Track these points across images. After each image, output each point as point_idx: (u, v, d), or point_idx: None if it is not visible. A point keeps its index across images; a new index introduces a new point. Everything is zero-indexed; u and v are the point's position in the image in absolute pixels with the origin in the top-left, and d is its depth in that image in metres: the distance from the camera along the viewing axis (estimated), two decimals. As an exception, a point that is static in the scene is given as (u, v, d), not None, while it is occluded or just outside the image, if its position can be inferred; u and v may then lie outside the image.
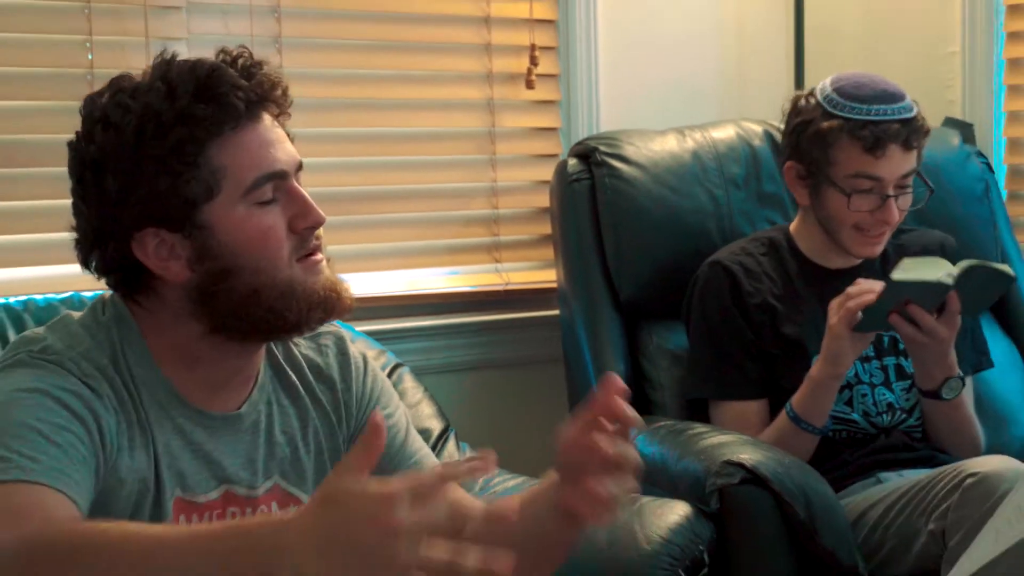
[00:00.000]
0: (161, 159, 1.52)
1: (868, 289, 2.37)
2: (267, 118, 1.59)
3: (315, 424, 1.70)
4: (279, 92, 1.60)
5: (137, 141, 1.52)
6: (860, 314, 2.36)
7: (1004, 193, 3.24)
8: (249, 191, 1.55)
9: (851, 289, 2.39)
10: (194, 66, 1.56)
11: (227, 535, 1.29)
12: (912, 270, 2.34)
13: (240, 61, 1.59)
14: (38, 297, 2.20)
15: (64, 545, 1.33)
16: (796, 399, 2.46)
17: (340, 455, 1.70)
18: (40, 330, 1.61)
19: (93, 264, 1.60)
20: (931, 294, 2.35)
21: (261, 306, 1.56)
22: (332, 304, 1.60)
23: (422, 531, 1.24)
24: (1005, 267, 2.44)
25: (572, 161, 2.92)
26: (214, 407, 1.62)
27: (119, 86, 1.58)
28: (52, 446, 1.45)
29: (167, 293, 1.58)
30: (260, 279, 1.55)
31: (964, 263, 2.36)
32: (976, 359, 2.69)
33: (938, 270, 2.34)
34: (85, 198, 1.57)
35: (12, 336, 2.10)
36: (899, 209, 2.52)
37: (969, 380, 2.62)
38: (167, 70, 1.56)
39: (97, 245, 1.59)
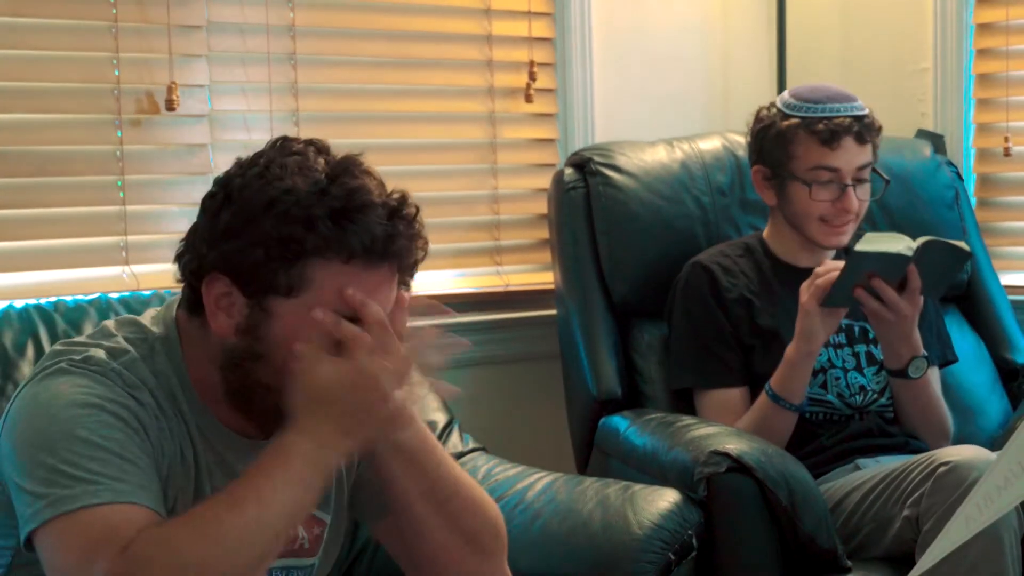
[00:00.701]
0: (270, 237, 1.49)
1: (834, 267, 2.41)
2: (384, 272, 1.53)
3: None
4: (410, 259, 1.55)
5: (266, 207, 1.50)
6: (828, 290, 2.38)
7: (974, 200, 3.24)
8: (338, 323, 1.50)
9: (818, 269, 2.44)
10: (355, 190, 1.51)
11: (294, 474, 1.45)
12: (874, 243, 2.37)
13: (397, 208, 1.53)
14: (68, 299, 2.19)
15: (189, 528, 1.41)
16: (774, 379, 2.47)
17: (352, 475, 1.71)
18: (82, 338, 1.59)
19: (179, 265, 1.59)
20: (892, 266, 2.37)
21: (267, 401, 1.53)
22: None
23: (391, 368, 1.48)
24: (961, 243, 2.46)
25: (568, 170, 2.92)
26: (244, 432, 1.61)
27: (308, 151, 1.54)
28: (127, 463, 1.45)
29: (208, 335, 1.56)
30: (279, 379, 1.51)
31: (923, 238, 2.39)
32: (941, 351, 2.71)
33: (899, 243, 2.37)
34: (204, 212, 1.56)
35: (44, 336, 2.09)
36: (859, 199, 2.56)
37: (936, 370, 2.63)
38: (340, 172, 1.53)
39: (188, 254, 1.57)
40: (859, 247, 2.36)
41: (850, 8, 3.53)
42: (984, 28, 3.30)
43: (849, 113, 2.56)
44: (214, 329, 1.53)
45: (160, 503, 1.48)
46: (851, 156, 2.54)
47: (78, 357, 1.54)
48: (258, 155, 1.55)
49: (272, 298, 1.51)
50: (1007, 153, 3.20)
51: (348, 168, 1.54)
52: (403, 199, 1.54)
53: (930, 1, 3.33)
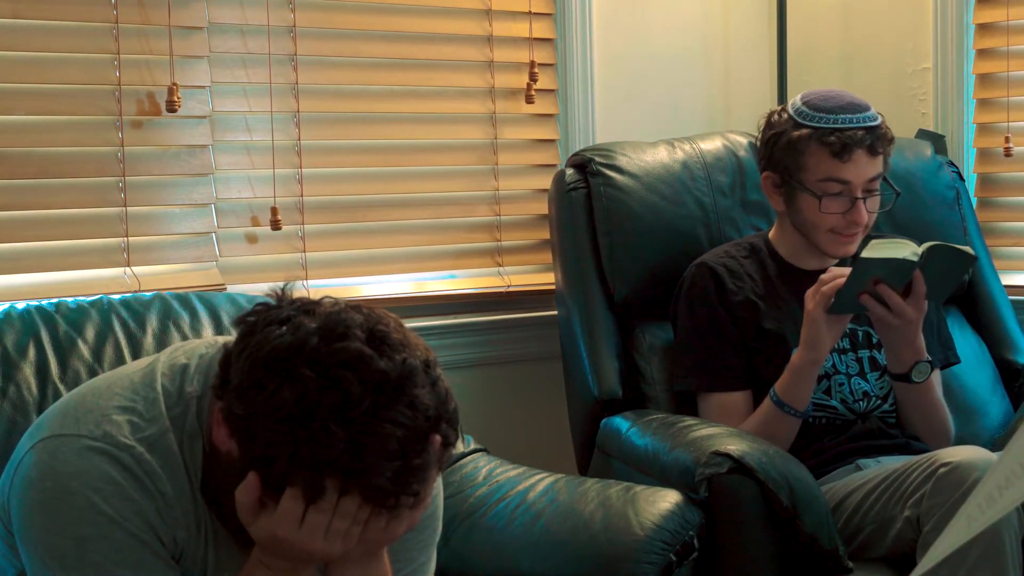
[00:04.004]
0: (296, 443, 1.41)
1: (839, 273, 2.40)
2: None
3: None
4: (420, 493, 1.47)
5: (288, 446, 1.41)
6: (833, 297, 2.37)
7: (974, 200, 3.24)
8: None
9: (824, 276, 2.42)
10: (387, 427, 1.40)
11: None
12: (879, 249, 2.36)
13: (413, 464, 1.43)
14: (69, 300, 2.19)
15: None
16: (779, 385, 2.47)
17: None
18: (119, 382, 1.59)
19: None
20: (898, 272, 2.36)
21: (226, 510, 1.53)
22: None
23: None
24: (966, 248, 2.45)
25: (569, 171, 2.92)
26: None
27: (351, 378, 1.41)
28: None
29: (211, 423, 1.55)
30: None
31: (928, 243, 2.37)
32: (943, 354, 2.70)
33: (904, 249, 2.36)
34: (244, 330, 1.49)
35: (45, 337, 2.09)
36: (868, 211, 2.54)
37: (937, 372, 2.62)
38: (376, 393, 1.41)
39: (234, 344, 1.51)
40: (865, 254, 2.35)
41: (850, 8, 3.53)
42: (984, 28, 3.30)
43: (862, 124, 2.52)
44: (213, 436, 1.51)
45: None
46: (862, 168, 2.52)
47: (99, 431, 1.53)
48: (306, 344, 1.43)
49: (269, 483, 1.47)
50: (1008, 153, 3.20)
51: (387, 407, 1.42)
52: (432, 434, 1.44)
53: (930, 1, 3.33)
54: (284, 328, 1.44)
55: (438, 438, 1.45)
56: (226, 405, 1.46)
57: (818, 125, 2.53)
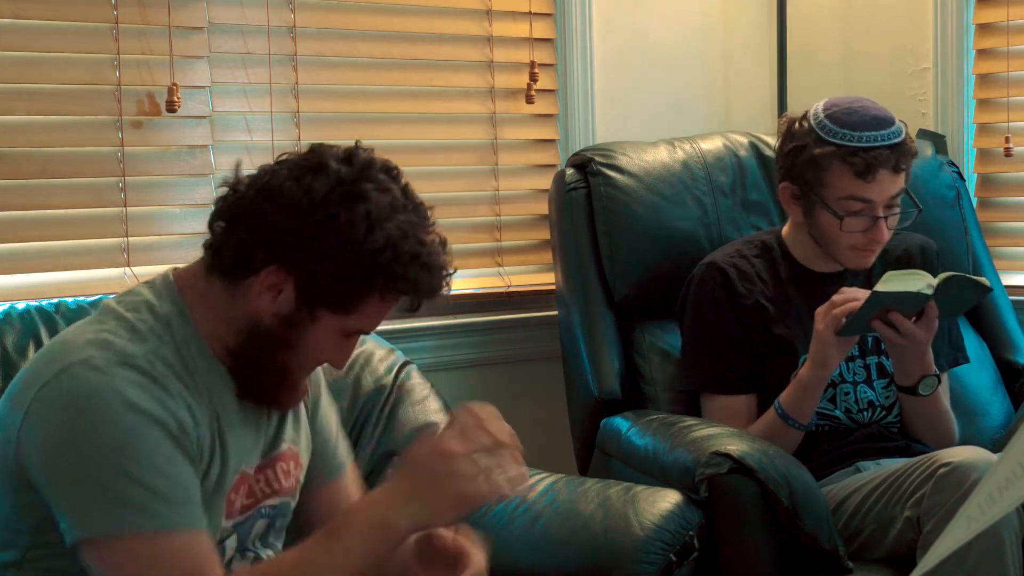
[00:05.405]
0: (358, 277, 1.58)
1: (852, 297, 2.36)
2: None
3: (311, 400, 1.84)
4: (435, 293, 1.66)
5: (372, 254, 1.58)
6: (844, 319, 2.36)
7: (975, 200, 3.24)
8: (347, 334, 1.66)
9: (836, 297, 2.38)
10: (433, 251, 1.65)
11: (361, 535, 1.57)
12: (894, 282, 2.33)
13: (446, 266, 1.67)
14: (69, 300, 2.19)
15: None
16: (784, 397, 2.45)
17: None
18: (104, 331, 1.62)
19: (213, 226, 1.65)
20: (911, 303, 2.35)
21: (272, 379, 1.66)
22: None
23: (473, 452, 1.57)
24: (982, 279, 2.41)
25: (569, 171, 2.92)
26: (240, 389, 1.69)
27: (394, 188, 1.64)
28: (179, 488, 1.56)
29: (235, 300, 1.62)
30: (298, 368, 1.67)
31: (943, 275, 2.34)
32: (952, 355, 2.69)
33: (919, 282, 2.33)
34: (273, 200, 1.60)
35: (45, 336, 2.09)
36: (888, 228, 2.50)
37: (945, 383, 2.61)
38: (415, 225, 1.63)
39: (239, 230, 1.62)
40: (879, 287, 2.32)
41: (850, 8, 3.52)
42: (984, 28, 3.29)
43: (886, 142, 2.45)
44: (252, 307, 1.60)
45: (204, 517, 1.58)
46: (885, 187, 2.46)
47: (104, 353, 1.56)
48: (348, 176, 1.61)
49: (323, 309, 1.60)
50: (1008, 153, 3.20)
51: (423, 219, 1.67)
52: (445, 244, 1.69)
53: (930, 1, 3.33)
54: (304, 180, 1.60)
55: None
56: (290, 260, 1.57)
57: (842, 143, 2.46)
